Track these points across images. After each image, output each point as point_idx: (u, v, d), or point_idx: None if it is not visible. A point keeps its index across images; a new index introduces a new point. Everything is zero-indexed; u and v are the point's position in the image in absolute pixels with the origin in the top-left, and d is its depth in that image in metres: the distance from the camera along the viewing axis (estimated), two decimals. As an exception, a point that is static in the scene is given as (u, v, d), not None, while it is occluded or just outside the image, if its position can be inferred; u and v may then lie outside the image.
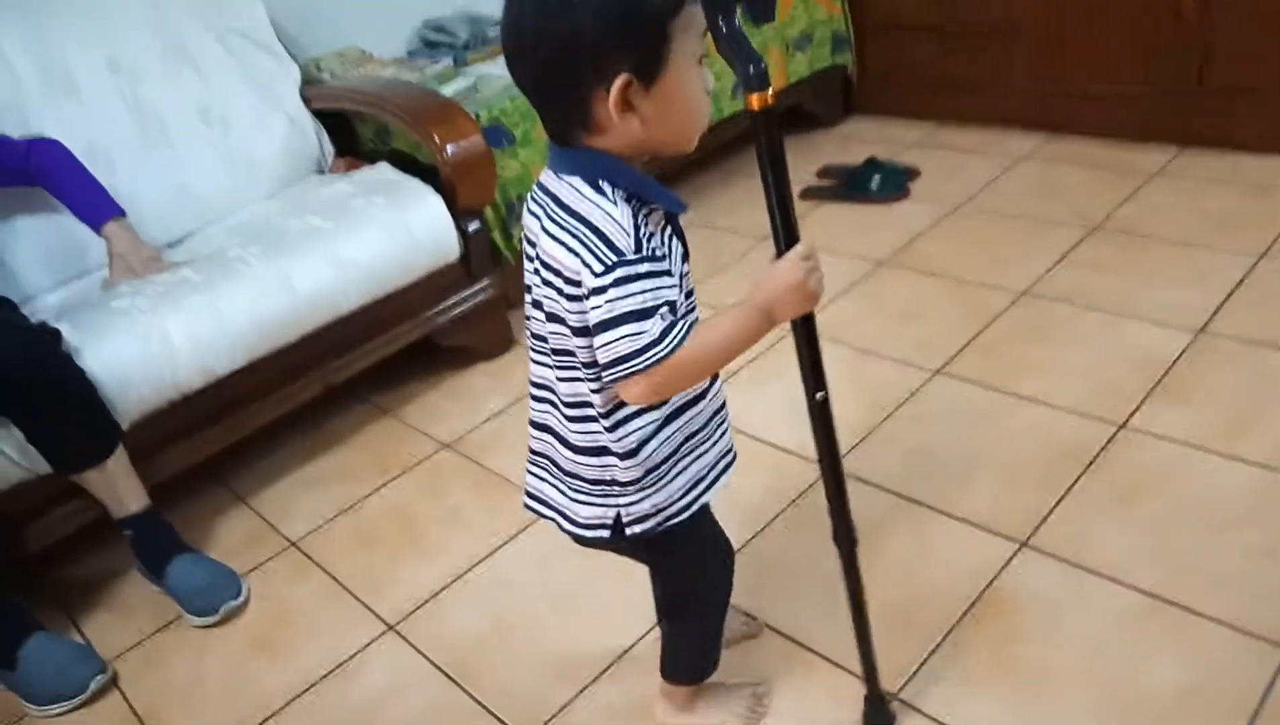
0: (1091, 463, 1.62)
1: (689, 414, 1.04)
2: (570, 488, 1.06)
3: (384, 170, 2.18)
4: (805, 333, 1.03)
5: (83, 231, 1.92)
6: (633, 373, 0.90)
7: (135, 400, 1.70)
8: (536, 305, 0.99)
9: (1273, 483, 1.50)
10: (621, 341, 0.89)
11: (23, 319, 1.67)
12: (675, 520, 1.06)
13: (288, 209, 2.10)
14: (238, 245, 1.94)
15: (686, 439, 1.05)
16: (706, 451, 1.08)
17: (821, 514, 1.35)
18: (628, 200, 0.91)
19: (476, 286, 2.17)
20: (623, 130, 0.89)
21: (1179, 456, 1.59)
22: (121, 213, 1.90)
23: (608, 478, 1.03)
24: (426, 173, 2.11)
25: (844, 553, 1.17)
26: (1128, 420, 1.69)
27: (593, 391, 0.98)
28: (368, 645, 1.56)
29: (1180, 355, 1.81)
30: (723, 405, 1.11)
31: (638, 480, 1.02)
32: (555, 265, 0.92)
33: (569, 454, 1.04)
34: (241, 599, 1.67)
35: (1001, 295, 2.12)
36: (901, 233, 2.45)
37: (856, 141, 3.04)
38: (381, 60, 2.62)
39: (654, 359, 0.89)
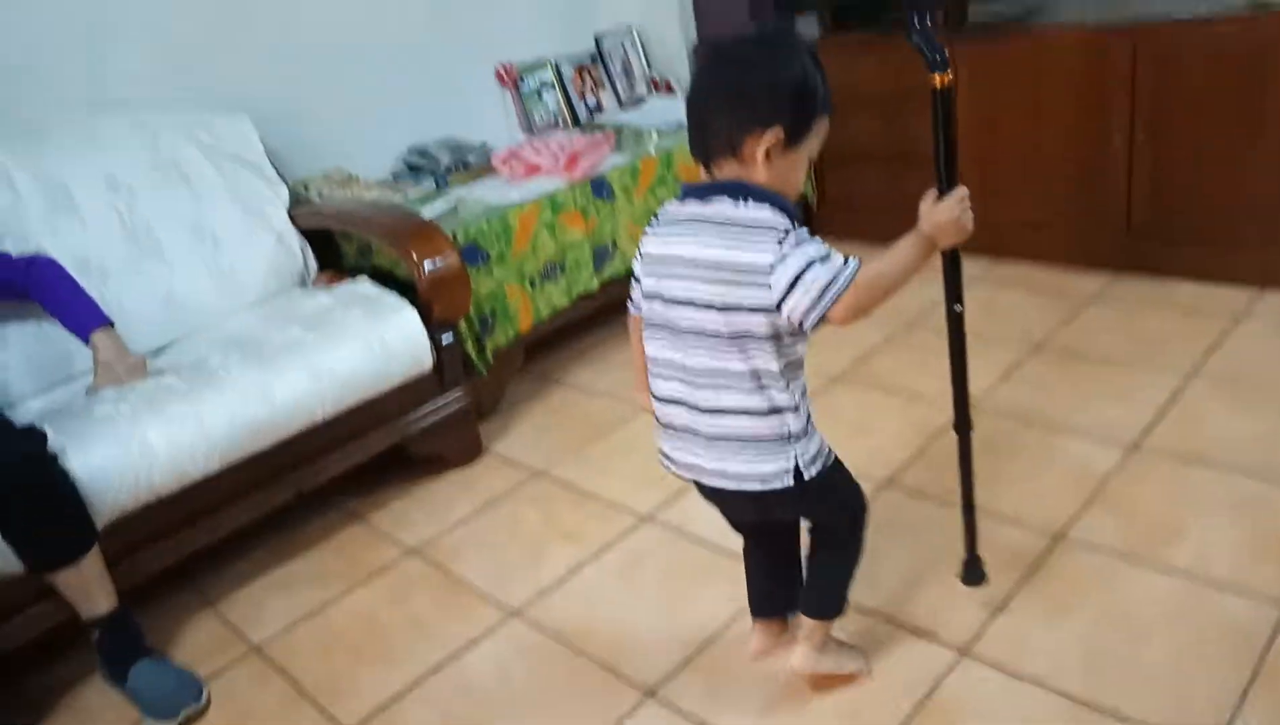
0: (1030, 572, 1.69)
1: (807, 393, 1.32)
2: (754, 451, 1.28)
3: (363, 285, 2.29)
4: (952, 258, 1.40)
5: (67, 340, 2.00)
6: (839, 294, 1.16)
7: (111, 503, 1.75)
8: (707, 306, 1.22)
9: (1195, 590, 1.59)
10: (818, 277, 1.16)
11: (7, 422, 1.74)
12: (831, 460, 1.34)
13: (270, 320, 2.20)
14: (220, 354, 2.03)
15: (809, 417, 1.32)
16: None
17: None
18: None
19: (448, 396, 2.26)
20: (754, 169, 1.20)
21: (1111, 566, 1.68)
22: (108, 323, 1.99)
23: (784, 432, 1.27)
24: (405, 287, 2.23)
25: (962, 438, 1.55)
26: (1063, 531, 1.78)
27: (769, 355, 1.23)
28: (326, 750, 1.58)
29: (1113, 470, 1.92)
30: None
31: (804, 428, 1.29)
32: (727, 263, 1.20)
33: (749, 423, 1.27)
34: (202, 703, 1.69)
35: (948, 411, 2.22)
36: (855, 349, 2.58)
37: (817, 262, 3.19)
38: (366, 182, 2.77)
39: (849, 277, 1.17)
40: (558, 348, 2.89)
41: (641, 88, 3.63)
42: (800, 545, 1.57)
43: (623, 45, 3.62)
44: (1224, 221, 2.56)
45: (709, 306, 1.22)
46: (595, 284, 2.72)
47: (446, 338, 2.23)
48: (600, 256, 2.71)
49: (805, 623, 1.49)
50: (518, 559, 1.97)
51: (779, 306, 1.18)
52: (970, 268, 2.90)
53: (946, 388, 2.32)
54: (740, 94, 1.20)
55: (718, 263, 1.20)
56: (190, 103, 2.53)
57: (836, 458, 1.36)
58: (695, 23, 3.60)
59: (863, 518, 1.44)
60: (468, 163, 2.92)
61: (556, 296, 2.62)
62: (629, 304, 1.41)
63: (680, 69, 3.63)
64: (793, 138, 1.21)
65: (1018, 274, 2.87)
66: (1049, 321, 2.56)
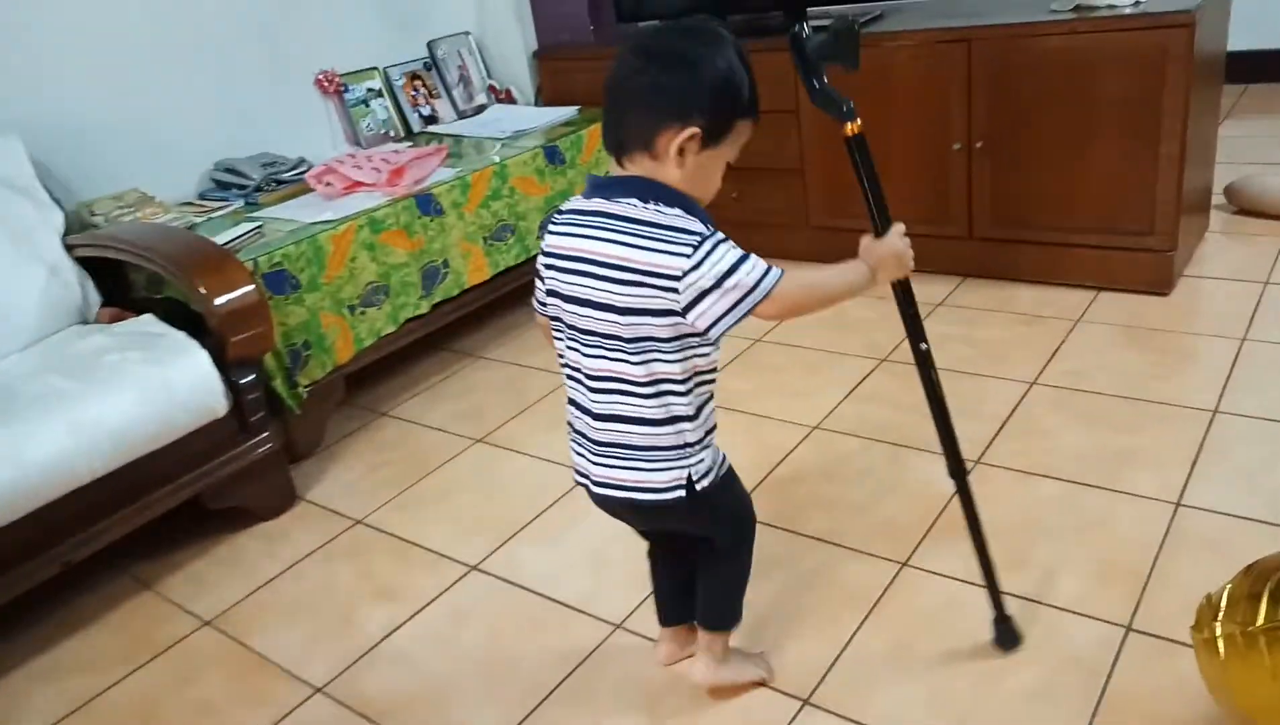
0: (873, 607, 1.59)
1: (712, 403, 1.26)
2: (647, 460, 1.23)
3: (148, 322, 2.03)
4: (904, 294, 1.32)
5: None
6: (772, 288, 1.11)
7: None
8: (605, 307, 1.16)
9: (1041, 617, 1.52)
10: (744, 277, 1.11)
11: None
12: (722, 472, 1.29)
13: (32, 367, 1.91)
14: (-36, 410, 1.74)
15: (710, 428, 1.27)
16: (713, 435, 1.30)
17: (610, 676, 1.24)
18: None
19: (251, 442, 2.01)
20: (666, 166, 1.14)
21: (955, 595, 1.59)
22: None
23: (681, 442, 1.22)
24: (201, 321, 1.98)
25: (959, 484, 1.42)
26: (908, 559, 1.69)
27: (672, 361, 1.17)
28: None
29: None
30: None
31: (700, 440, 1.24)
32: (630, 264, 1.13)
33: (646, 430, 1.21)
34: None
35: (794, 430, 2.13)
36: (704, 368, 2.46)
37: (667, 276, 3.07)
38: (164, 204, 2.49)
39: (767, 289, 1.11)
40: (386, 377, 2.67)
41: (481, 96, 3.45)
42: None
43: (459, 52, 3.43)
44: (1060, 225, 2.56)
45: (608, 307, 1.16)
46: (425, 307, 2.52)
47: (246, 377, 1.99)
48: (430, 277, 2.51)
49: (703, 635, 1.44)
50: (327, 625, 1.76)
51: (685, 312, 1.12)
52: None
53: (791, 407, 2.25)
54: (660, 86, 1.13)
55: (622, 262, 1.14)
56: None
57: (730, 468, 1.32)
58: (535, 30, 3.45)
59: (751, 527, 1.40)
60: (281, 180, 2.68)
61: (381, 322, 2.41)
62: (535, 303, 1.34)
63: (521, 76, 3.47)
64: (710, 137, 1.15)
65: (866, 282, 2.81)
66: (896, 332, 2.49)
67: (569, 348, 1.25)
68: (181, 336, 1.94)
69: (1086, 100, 2.40)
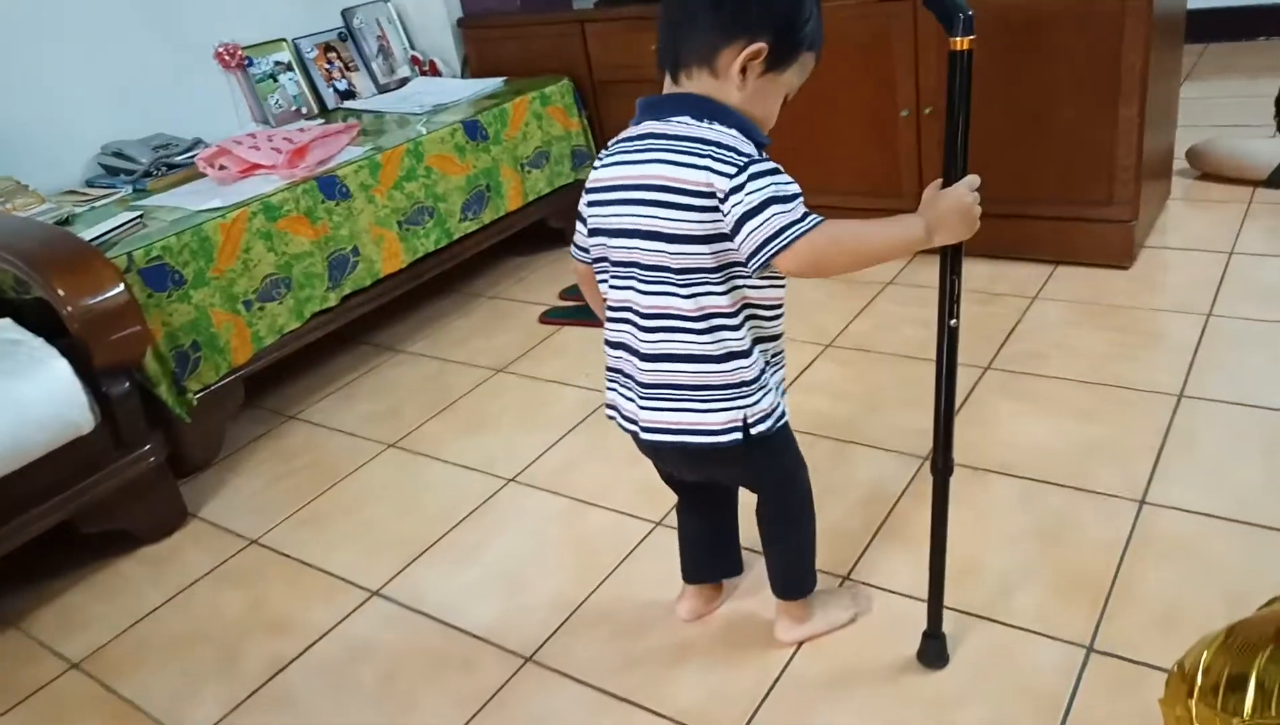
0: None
1: (773, 345, 1.20)
2: (702, 399, 1.16)
3: (6, 328, 1.81)
4: (953, 262, 1.15)
5: None
6: (794, 240, 1.02)
7: None
8: (653, 236, 1.09)
9: (997, 636, 1.36)
10: (773, 219, 1.03)
11: None
12: (782, 421, 1.21)
13: None
14: None
15: (767, 363, 1.19)
16: (776, 381, 1.22)
17: (517, 717, 1.08)
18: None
19: (128, 458, 1.81)
20: (727, 85, 1.09)
21: (900, 613, 1.43)
22: None
23: (736, 380, 1.14)
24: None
25: (938, 483, 1.24)
26: (850, 572, 1.53)
27: (720, 292, 1.10)
28: None
29: (905, 489, 1.69)
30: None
31: (757, 378, 1.15)
32: (679, 185, 1.07)
33: (700, 367, 1.14)
34: None
35: (733, 426, 1.96)
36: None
37: (604, 258, 2.89)
38: (39, 193, 2.26)
39: (809, 226, 1.03)
40: (296, 375, 2.47)
41: (404, 68, 3.22)
42: (737, 510, 1.45)
43: (377, 21, 3.19)
44: (1015, 196, 2.40)
45: (655, 235, 1.10)
46: (333, 299, 2.31)
47: (119, 387, 1.78)
48: (337, 267, 2.31)
49: (780, 602, 1.39)
50: (209, 664, 1.57)
51: (733, 236, 1.05)
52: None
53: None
54: (728, 1, 1.07)
55: (669, 183, 1.07)
56: None
57: (788, 422, 1.24)
58: (459, -5, 3.22)
59: (808, 490, 1.33)
60: (174, 163, 2.46)
61: (283, 318, 2.20)
62: (573, 249, 1.28)
63: (445, 47, 3.25)
64: (775, 60, 1.09)
65: (813, 260, 2.64)
66: (843, 315, 2.34)
67: (617, 287, 1.18)
68: (39, 344, 1.73)
69: (1041, 61, 2.24)
